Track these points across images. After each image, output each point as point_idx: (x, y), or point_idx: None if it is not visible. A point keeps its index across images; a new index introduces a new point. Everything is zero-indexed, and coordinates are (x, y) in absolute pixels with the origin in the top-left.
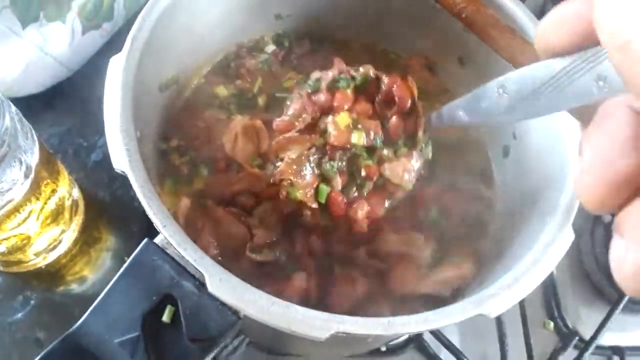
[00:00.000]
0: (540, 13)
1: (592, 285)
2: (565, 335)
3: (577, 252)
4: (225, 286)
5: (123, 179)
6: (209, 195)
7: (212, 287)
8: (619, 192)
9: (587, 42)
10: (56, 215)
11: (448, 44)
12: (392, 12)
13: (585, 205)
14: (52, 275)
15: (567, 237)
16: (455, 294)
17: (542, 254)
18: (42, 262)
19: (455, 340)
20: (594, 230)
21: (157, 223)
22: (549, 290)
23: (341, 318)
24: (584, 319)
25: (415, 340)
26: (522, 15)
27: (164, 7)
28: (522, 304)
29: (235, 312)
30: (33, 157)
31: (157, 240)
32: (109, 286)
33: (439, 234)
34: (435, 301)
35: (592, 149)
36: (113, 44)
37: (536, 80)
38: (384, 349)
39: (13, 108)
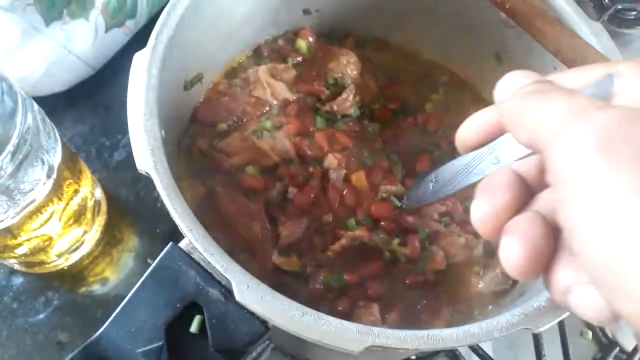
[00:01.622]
0: None
1: None
2: (605, 346)
3: None
4: (253, 295)
5: (147, 178)
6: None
7: (239, 295)
8: (495, 221)
9: (490, 137)
10: (78, 216)
11: (485, 39)
12: (424, 8)
13: (477, 231)
14: (74, 276)
15: None
16: (515, 283)
17: None
18: (64, 263)
19: (488, 348)
20: None
21: (182, 227)
22: None
23: (377, 331)
24: (625, 328)
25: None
26: (567, 8)
27: (189, 2)
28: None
29: (263, 322)
30: (55, 157)
31: (182, 244)
32: (131, 293)
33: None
34: (498, 295)
35: (480, 191)
36: (136, 42)
37: (455, 169)
38: (413, 357)
39: (36, 107)
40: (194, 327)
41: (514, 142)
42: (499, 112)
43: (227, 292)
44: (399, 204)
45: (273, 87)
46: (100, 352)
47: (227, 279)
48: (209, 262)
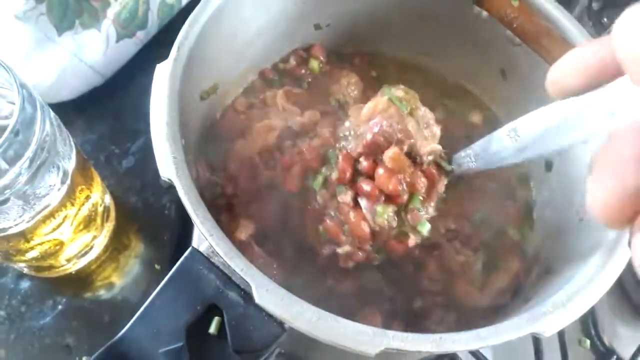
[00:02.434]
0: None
1: (631, 303)
2: (602, 354)
3: None
4: (272, 297)
5: (154, 186)
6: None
7: (259, 297)
8: (628, 206)
9: (598, 83)
10: (89, 221)
11: (492, 56)
12: (434, 24)
13: (599, 221)
14: (81, 280)
15: (623, 254)
16: (515, 296)
17: (596, 273)
18: (72, 267)
19: (488, 354)
20: (632, 245)
21: (203, 231)
22: None
23: (391, 334)
24: (622, 337)
25: (448, 354)
26: (570, 27)
27: (209, 16)
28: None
29: (280, 324)
30: (70, 163)
31: (202, 248)
32: (153, 295)
33: (485, 246)
34: (497, 310)
35: (602, 167)
36: (146, 52)
37: (548, 122)
38: None
39: (52, 114)
40: (213, 328)
41: (634, 90)
42: (615, 47)
43: (246, 294)
44: (449, 167)
45: (288, 111)
46: (123, 352)
47: (246, 282)
48: (229, 266)
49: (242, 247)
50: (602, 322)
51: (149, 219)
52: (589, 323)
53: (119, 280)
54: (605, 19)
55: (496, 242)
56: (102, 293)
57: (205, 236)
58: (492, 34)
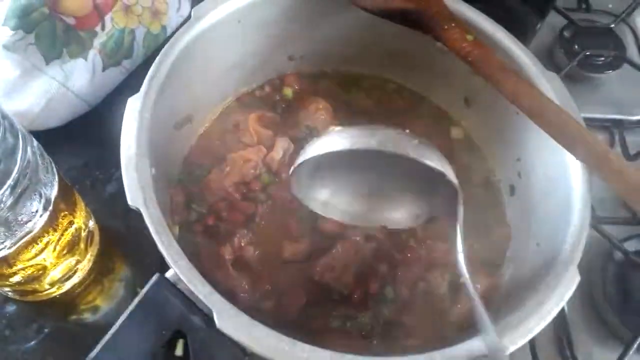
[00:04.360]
0: (544, 56)
1: (605, 324)
2: None
3: (588, 290)
4: (232, 322)
5: (137, 211)
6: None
7: (220, 322)
8: None
9: None
10: (72, 246)
11: (455, 83)
12: (401, 55)
13: None
14: (65, 304)
15: (573, 279)
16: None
17: (545, 297)
18: (56, 291)
19: None
20: (606, 269)
21: (168, 259)
22: (561, 329)
23: (349, 357)
24: (596, 358)
25: None
26: (526, 60)
27: (180, 51)
28: (532, 343)
29: (242, 349)
30: (52, 191)
31: (168, 274)
32: (119, 321)
33: (451, 267)
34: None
35: None
36: (132, 80)
37: None
38: None
39: (35, 143)
40: (178, 350)
41: None
42: None
43: (209, 320)
44: None
45: (260, 134)
46: None
47: (208, 307)
48: (192, 292)
49: (220, 263)
50: (577, 343)
51: (132, 243)
52: (564, 344)
53: (103, 303)
54: (576, 46)
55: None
56: (87, 316)
57: (170, 263)
58: (454, 65)
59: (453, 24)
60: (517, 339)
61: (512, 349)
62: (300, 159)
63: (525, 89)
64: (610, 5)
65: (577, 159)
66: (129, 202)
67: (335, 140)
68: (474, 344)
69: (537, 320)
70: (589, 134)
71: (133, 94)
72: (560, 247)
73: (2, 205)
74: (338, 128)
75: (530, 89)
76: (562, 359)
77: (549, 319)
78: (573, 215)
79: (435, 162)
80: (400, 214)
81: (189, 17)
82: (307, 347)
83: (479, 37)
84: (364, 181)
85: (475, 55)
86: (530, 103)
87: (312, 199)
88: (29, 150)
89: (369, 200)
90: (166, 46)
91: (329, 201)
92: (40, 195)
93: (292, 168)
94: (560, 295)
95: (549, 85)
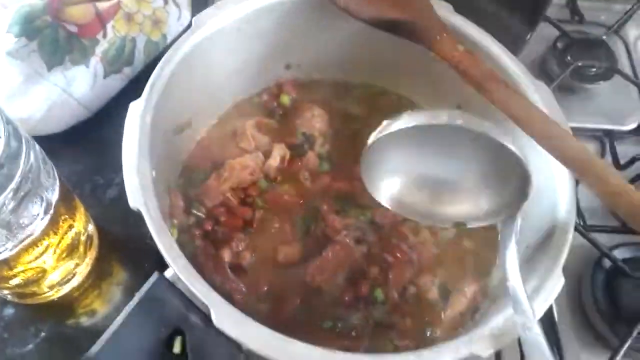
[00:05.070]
0: (537, 66)
1: (594, 330)
2: None
3: (578, 297)
4: (229, 320)
5: (136, 216)
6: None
7: (217, 320)
8: None
9: None
10: (72, 250)
11: (447, 91)
12: (395, 64)
13: None
14: (63, 307)
15: (557, 283)
16: (474, 316)
17: (530, 299)
18: (55, 294)
19: None
20: (595, 275)
21: (167, 258)
22: (550, 335)
23: (339, 355)
24: None
25: None
26: (515, 69)
27: (182, 57)
28: (521, 347)
29: (238, 346)
30: (54, 195)
31: (167, 274)
32: (120, 319)
33: (441, 271)
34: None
35: None
36: (132, 87)
37: None
38: None
39: (37, 147)
40: (176, 348)
41: None
42: None
43: (207, 318)
44: None
45: (257, 139)
46: None
47: (206, 306)
48: (191, 291)
49: (219, 267)
50: (566, 348)
51: (131, 247)
52: (553, 350)
53: (101, 307)
54: (568, 57)
55: (453, 265)
56: (85, 320)
57: (169, 263)
58: (447, 73)
59: (445, 35)
60: (502, 340)
61: (497, 348)
62: (372, 138)
63: (513, 98)
64: (602, 17)
65: (563, 166)
66: (130, 203)
67: (406, 119)
68: (460, 344)
69: None
70: (575, 141)
71: (133, 100)
72: (546, 251)
73: (5, 208)
74: (407, 112)
75: (518, 98)
76: None
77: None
78: (559, 221)
79: (505, 140)
80: (467, 207)
81: (189, 25)
82: (300, 344)
83: (469, 47)
84: (431, 169)
85: (465, 64)
86: (518, 111)
87: (378, 189)
88: (31, 155)
89: (436, 193)
90: (168, 53)
91: (396, 193)
92: (42, 199)
93: (366, 147)
94: (544, 298)
95: (537, 95)
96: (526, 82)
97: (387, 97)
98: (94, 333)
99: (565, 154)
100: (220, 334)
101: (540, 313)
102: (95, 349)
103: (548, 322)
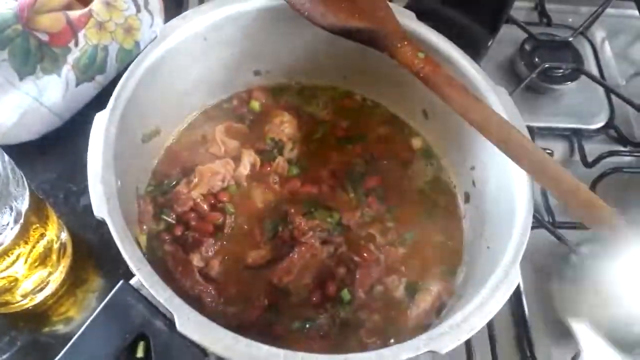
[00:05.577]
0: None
1: (563, 325)
2: None
3: (548, 292)
4: (192, 325)
5: None
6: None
7: (180, 325)
8: None
9: None
10: (44, 258)
11: (413, 95)
12: (359, 67)
13: None
14: (38, 316)
15: (513, 280)
16: (439, 313)
17: (489, 296)
18: (29, 303)
19: None
20: (562, 271)
21: (131, 265)
22: (521, 329)
23: (300, 355)
24: (555, 357)
25: None
26: (476, 75)
27: (147, 68)
28: (493, 343)
29: (202, 350)
30: (23, 204)
31: (132, 281)
32: (84, 326)
33: (408, 271)
34: (427, 327)
35: None
36: (105, 94)
37: None
38: None
39: (6, 157)
40: (140, 352)
41: None
42: None
43: (171, 323)
44: None
45: (227, 144)
46: None
47: (170, 311)
48: (155, 297)
49: (188, 271)
50: (537, 344)
51: (105, 255)
52: (524, 345)
53: (77, 314)
54: (536, 59)
55: (419, 264)
56: (60, 328)
57: (133, 269)
58: (412, 79)
59: (405, 42)
60: (460, 336)
61: (455, 344)
62: None
63: (472, 103)
64: (570, 20)
65: (520, 168)
66: (95, 212)
67: None
68: (420, 342)
69: (480, 319)
70: (530, 144)
71: (104, 108)
72: (505, 250)
73: None
74: None
75: (477, 104)
76: (521, 358)
77: (489, 316)
78: (517, 221)
79: None
80: None
81: None
82: (263, 346)
83: (430, 54)
84: None
85: (426, 71)
86: (477, 116)
87: None
88: None
89: None
90: (133, 63)
91: None
92: (11, 209)
93: None
94: (502, 295)
95: (497, 100)
96: (486, 87)
97: (353, 99)
98: (70, 341)
99: (522, 157)
100: (184, 338)
101: (496, 310)
102: (58, 357)
103: (519, 317)
